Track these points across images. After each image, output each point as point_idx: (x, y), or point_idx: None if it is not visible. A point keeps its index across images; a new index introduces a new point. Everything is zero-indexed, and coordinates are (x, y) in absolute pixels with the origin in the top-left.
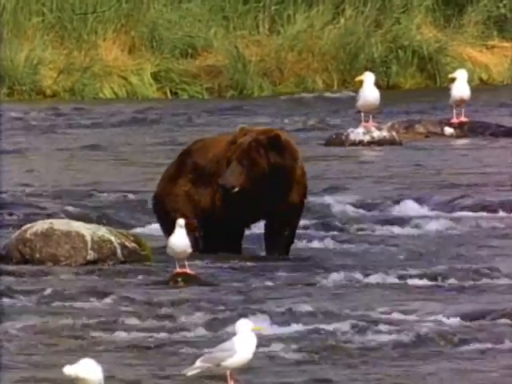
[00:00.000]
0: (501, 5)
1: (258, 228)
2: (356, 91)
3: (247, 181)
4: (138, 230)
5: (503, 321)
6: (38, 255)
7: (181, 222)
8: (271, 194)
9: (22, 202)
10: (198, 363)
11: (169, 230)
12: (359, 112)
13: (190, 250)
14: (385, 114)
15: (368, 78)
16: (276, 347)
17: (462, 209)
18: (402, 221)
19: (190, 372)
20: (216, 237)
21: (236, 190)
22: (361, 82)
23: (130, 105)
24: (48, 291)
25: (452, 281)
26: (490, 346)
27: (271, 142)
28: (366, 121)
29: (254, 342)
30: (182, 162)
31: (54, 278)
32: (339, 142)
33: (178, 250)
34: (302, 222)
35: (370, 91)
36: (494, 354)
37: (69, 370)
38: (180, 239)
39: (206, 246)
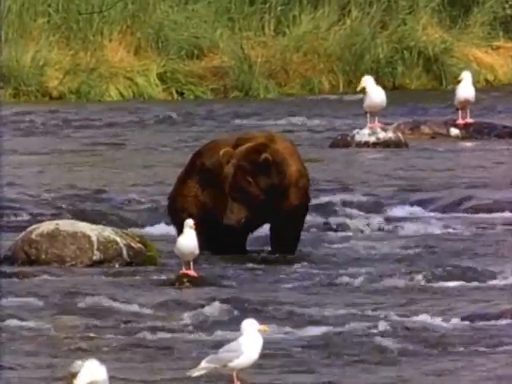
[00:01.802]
0: (507, 6)
1: (264, 228)
2: (361, 92)
3: (249, 211)
4: (144, 231)
5: (503, 321)
6: (43, 256)
7: (189, 222)
8: (268, 204)
9: (27, 203)
10: (203, 364)
11: (179, 230)
12: (366, 113)
13: (197, 252)
14: (390, 115)
15: (369, 82)
16: (281, 348)
17: (467, 210)
18: (406, 221)
19: (196, 373)
20: (221, 238)
21: (243, 221)
22: (363, 89)
23: (136, 105)
24: (53, 292)
25: (454, 281)
26: (491, 346)
27: (255, 166)
28: (372, 122)
29: (260, 342)
30: (192, 163)
31: (60, 279)
32: (345, 143)
33: (186, 251)
34: (308, 222)
35: (376, 92)
36: (496, 354)
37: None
38: (188, 240)
39: (212, 247)
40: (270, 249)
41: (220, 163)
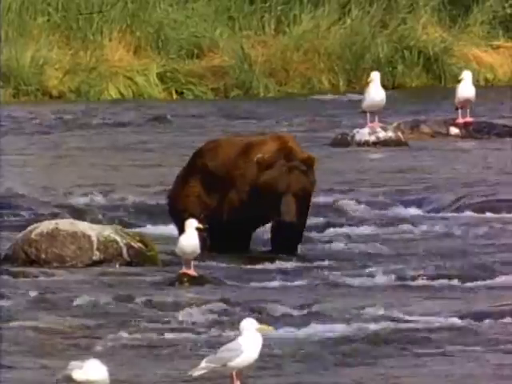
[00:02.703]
0: (506, 5)
1: (265, 228)
2: (362, 91)
3: (298, 207)
4: (144, 231)
5: (503, 320)
6: (43, 256)
7: (191, 222)
8: None
9: (27, 202)
10: (203, 364)
11: (181, 229)
12: (365, 112)
13: (198, 251)
14: (390, 114)
15: (375, 78)
16: (281, 347)
17: (467, 209)
18: (406, 221)
19: (196, 372)
20: (224, 237)
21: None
22: (369, 83)
23: (136, 105)
24: (53, 292)
25: (453, 280)
26: (489, 345)
27: (307, 164)
28: (372, 121)
29: (259, 341)
30: (193, 163)
31: (60, 279)
32: (345, 143)
33: (187, 250)
34: (308, 222)
35: (376, 91)
36: (494, 353)
37: (78, 375)
38: (189, 239)
39: (214, 247)
40: (270, 248)
41: (224, 165)
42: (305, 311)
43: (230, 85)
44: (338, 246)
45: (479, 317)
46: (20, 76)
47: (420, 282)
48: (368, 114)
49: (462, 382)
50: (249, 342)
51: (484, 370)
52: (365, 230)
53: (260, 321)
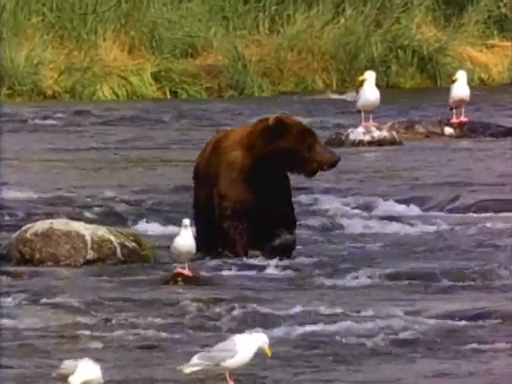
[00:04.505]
0: (501, 4)
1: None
2: (356, 91)
3: None
4: (138, 230)
5: (502, 320)
6: (38, 255)
7: (186, 222)
8: None
9: (21, 202)
10: (195, 360)
11: None
12: (359, 111)
13: (193, 251)
14: (385, 114)
15: (370, 77)
16: (276, 347)
17: (462, 209)
18: (401, 221)
19: (188, 369)
20: (217, 236)
21: None
22: (363, 81)
23: (130, 105)
24: (48, 291)
25: (450, 280)
26: (488, 345)
27: None
28: (366, 120)
29: (254, 342)
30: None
31: (54, 278)
32: (339, 142)
33: (182, 250)
34: (303, 222)
35: (370, 91)
36: (493, 353)
37: (74, 381)
38: (185, 239)
39: (208, 245)
40: (266, 247)
41: (199, 162)
42: (301, 311)
43: (224, 84)
44: (333, 246)
45: (476, 317)
46: (14, 76)
47: (416, 281)
48: (362, 114)
49: (461, 382)
50: (244, 342)
51: (483, 369)
52: (359, 229)
53: (255, 319)
